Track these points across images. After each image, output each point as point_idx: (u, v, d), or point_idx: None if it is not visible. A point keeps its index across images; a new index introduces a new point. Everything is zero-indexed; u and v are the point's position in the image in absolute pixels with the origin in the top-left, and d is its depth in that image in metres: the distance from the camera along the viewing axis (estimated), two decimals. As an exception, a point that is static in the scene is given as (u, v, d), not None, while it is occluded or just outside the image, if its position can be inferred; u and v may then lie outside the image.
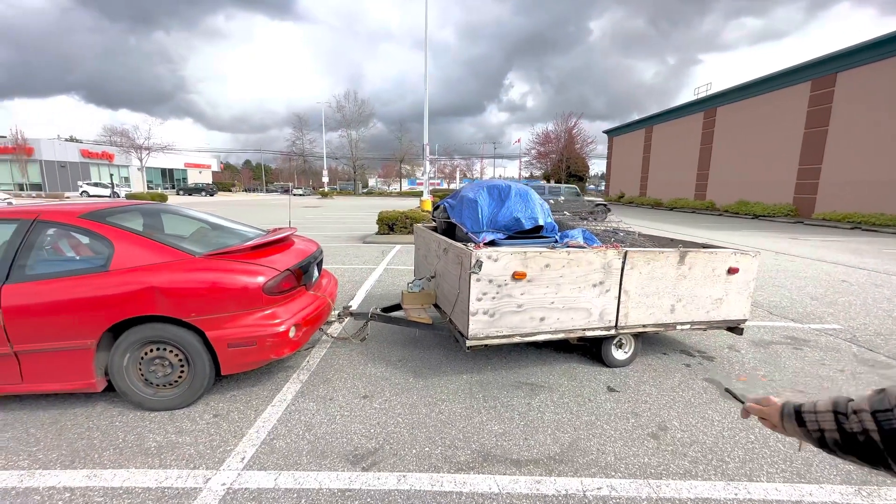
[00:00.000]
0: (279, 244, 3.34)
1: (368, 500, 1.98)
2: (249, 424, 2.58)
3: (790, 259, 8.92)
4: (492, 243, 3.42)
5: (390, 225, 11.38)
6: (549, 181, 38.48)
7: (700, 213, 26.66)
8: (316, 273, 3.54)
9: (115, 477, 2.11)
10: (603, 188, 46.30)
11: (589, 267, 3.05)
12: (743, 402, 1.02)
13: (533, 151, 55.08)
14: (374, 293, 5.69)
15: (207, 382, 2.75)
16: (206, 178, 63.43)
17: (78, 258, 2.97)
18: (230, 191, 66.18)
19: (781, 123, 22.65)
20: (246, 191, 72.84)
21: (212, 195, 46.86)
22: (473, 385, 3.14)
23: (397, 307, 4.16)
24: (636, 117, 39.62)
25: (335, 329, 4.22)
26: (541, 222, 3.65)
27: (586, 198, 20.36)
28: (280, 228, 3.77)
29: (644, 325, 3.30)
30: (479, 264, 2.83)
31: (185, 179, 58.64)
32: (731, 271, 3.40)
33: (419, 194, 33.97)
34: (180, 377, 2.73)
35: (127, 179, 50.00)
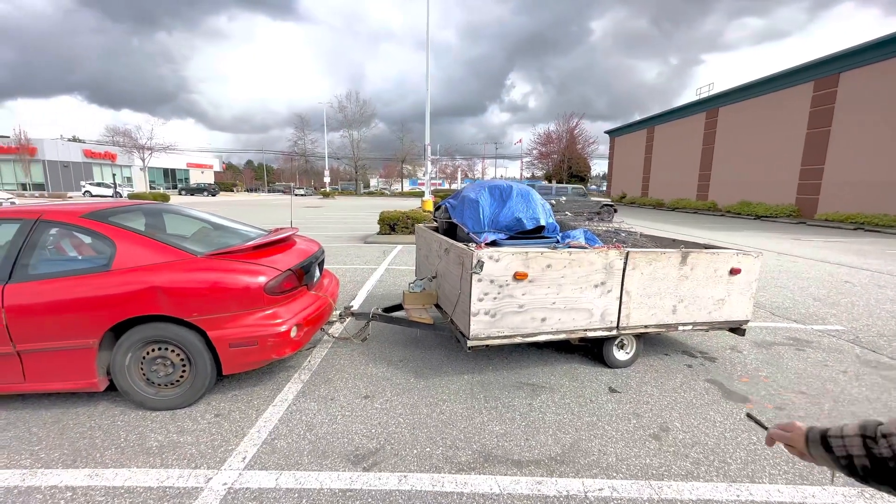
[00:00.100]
0: (281, 244, 3.34)
1: (369, 500, 1.97)
2: (251, 424, 2.58)
3: (792, 260, 8.89)
4: (493, 243, 3.42)
5: (392, 225, 11.38)
6: (550, 181, 38.44)
7: (702, 213, 26.60)
8: (317, 273, 3.55)
9: (117, 476, 2.11)
10: (604, 188, 46.25)
11: (590, 267, 3.05)
12: (766, 429, 0.95)
13: (534, 152, 55.10)
14: (376, 293, 5.70)
15: (209, 382, 2.76)
16: (208, 178, 63.61)
17: (80, 258, 2.97)
18: (232, 191, 66.31)
19: (784, 124, 22.59)
20: (248, 191, 72.97)
21: (214, 195, 46.94)
22: (475, 385, 3.13)
23: (398, 307, 4.16)
24: (638, 118, 39.60)
25: (336, 329, 4.22)
26: (542, 222, 3.65)
27: (592, 198, 20.26)
28: (282, 228, 3.77)
29: (646, 326, 3.29)
30: (481, 264, 2.82)
31: (187, 179, 58.79)
32: (734, 272, 3.39)
33: (421, 194, 34.02)
34: (182, 377, 2.73)
35: (129, 179, 50.16)
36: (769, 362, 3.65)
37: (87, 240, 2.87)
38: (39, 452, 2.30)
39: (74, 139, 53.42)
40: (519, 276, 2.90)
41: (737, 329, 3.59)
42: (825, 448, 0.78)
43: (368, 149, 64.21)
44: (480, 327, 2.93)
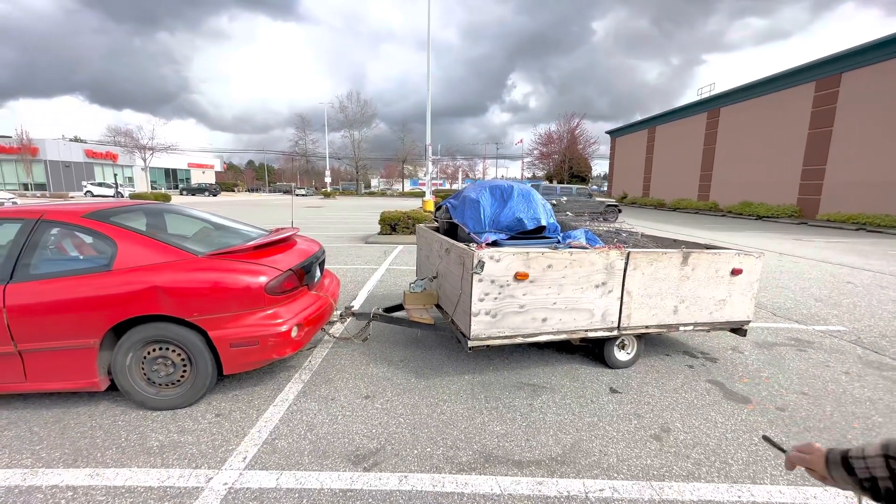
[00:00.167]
0: (281, 244, 3.34)
1: (370, 500, 1.97)
2: (251, 424, 2.58)
3: (794, 260, 8.88)
4: (494, 244, 3.42)
5: (392, 225, 11.39)
6: (551, 181, 38.43)
7: (703, 213, 26.57)
8: (318, 273, 3.55)
9: (118, 476, 2.11)
10: (605, 189, 46.23)
11: (591, 268, 3.04)
12: (784, 451, 0.90)
13: (535, 152, 55.11)
14: (377, 293, 5.70)
15: (210, 382, 2.76)
16: (209, 178, 63.70)
17: (81, 258, 2.98)
18: (233, 191, 66.41)
19: (785, 124, 22.55)
20: (249, 191, 73.07)
21: (215, 195, 47.00)
22: (475, 386, 3.13)
23: (399, 307, 4.16)
24: (639, 118, 39.55)
25: (337, 329, 4.22)
26: (543, 223, 3.64)
27: (597, 199, 20.25)
28: (282, 228, 3.77)
29: (647, 326, 3.29)
30: (482, 265, 2.82)
31: (188, 179, 58.88)
32: (735, 272, 3.38)
33: (421, 194, 34.02)
34: (183, 376, 2.73)
35: (131, 179, 50.26)
36: (771, 363, 3.65)
37: (89, 240, 2.88)
38: (40, 452, 2.30)
39: (76, 139, 53.56)
40: (520, 277, 2.90)
41: (738, 329, 3.59)
42: (847, 470, 0.74)
43: (369, 149, 64.33)
44: (481, 327, 2.93)
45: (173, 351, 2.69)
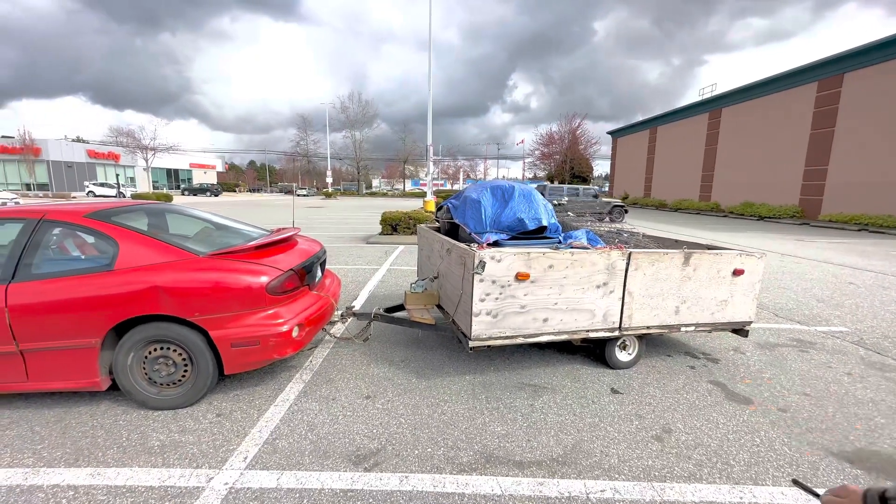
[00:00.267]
0: (282, 244, 3.35)
1: (370, 500, 1.97)
2: (252, 424, 2.58)
3: (796, 261, 8.85)
4: (495, 244, 3.41)
5: (393, 225, 11.39)
6: (552, 182, 38.42)
7: (705, 214, 26.52)
8: (319, 273, 3.55)
9: (119, 475, 2.11)
10: (606, 189, 46.19)
11: (593, 268, 3.04)
12: (817, 496, 0.84)
13: (537, 152, 55.07)
14: (378, 294, 5.70)
15: (211, 382, 2.76)
16: (210, 178, 63.84)
17: (83, 257, 2.98)
18: (235, 191, 66.52)
19: (787, 124, 22.49)
20: (251, 191, 73.18)
21: (216, 195, 47.08)
22: (476, 386, 3.13)
23: (400, 307, 4.16)
24: (640, 118, 39.51)
25: (338, 329, 4.22)
26: (544, 223, 3.64)
27: (603, 199, 20.31)
28: (283, 228, 3.77)
29: (648, 327, 3.28)
30: (483, 265, 2.82)
31: (190, 180, 59.00)
32: (737, 273, 3.37)
33: (423, 195, 34.02)
34: (184, 376, 2.74)
35: (133, 179, 50.39)
36: (773, 364, 3.63)
37: (90, 239, 2.88)
38: (42, 451, 2.31)
39: (78, 140, 53.68)
40: (521, 277, 2.90)
41: (740, 330, 3.58)
42: None
43: (371, 149, 64.36)
44: (482, 328, 2.93)
45: (174, 351, 2.69)
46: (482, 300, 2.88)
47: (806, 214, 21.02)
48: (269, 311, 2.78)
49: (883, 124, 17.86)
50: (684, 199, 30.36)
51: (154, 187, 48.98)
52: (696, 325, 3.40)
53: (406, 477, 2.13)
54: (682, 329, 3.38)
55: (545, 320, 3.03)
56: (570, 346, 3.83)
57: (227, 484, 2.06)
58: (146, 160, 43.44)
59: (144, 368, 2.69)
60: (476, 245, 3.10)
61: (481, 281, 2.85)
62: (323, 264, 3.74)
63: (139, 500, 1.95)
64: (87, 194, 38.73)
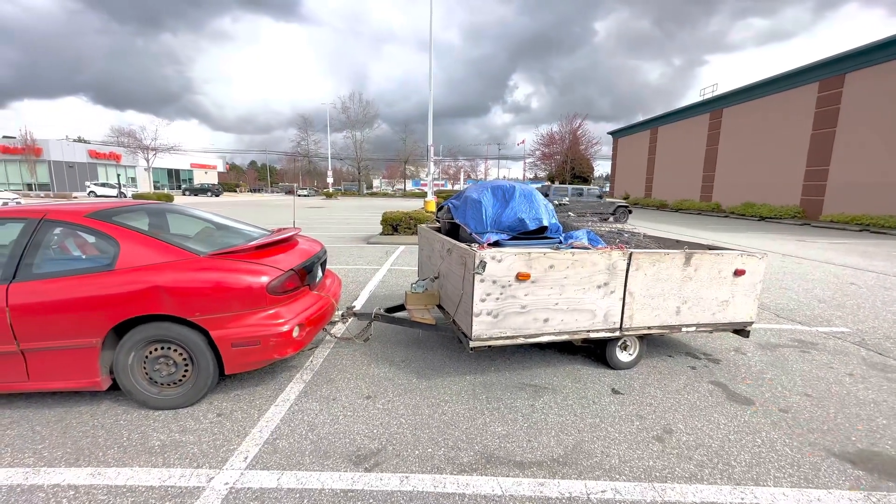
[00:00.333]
0: (283, 244, 3.35)
1: (371, 500, 1.97)
2: (253, 424, 2.58)
3: (797, 261, 8.84)
4: (496, 244, 3.41)
5: (394, 226, 11.39)
6: (553, 182, 38.43)
7: (706, 214, 26.49)
8: (320, 273, 3.55)
9: (119, 475, 2.12)
10: (607, 189, 46.17)
11: (593, 268, 3.03)
12: None
13: (537, 153, 55.05)
14: (378, 294, 5.70)
15: (211, 381, 2.76)
16: (211, 178, 63.91)
17: (84, 257, 2.99)
18: (235, 191, 66.59)
19: (788, 125, 22.46)
20: (251, 191, 73.26)
21: (217, 195, 47.12)
22: (477, 386, 3.12)
23: (401, 308, 4.16)
24: (641, 118, 39.48)
25: (339, 329, 4.22)
26: (545, 223, 3.63)
27: (608, 199, 20.40)
28: (284, 228, 3.78)
29: (649, 327, 3.28)
30: (483, 265, 2.82)
31: (191, 180, 59.06)
32: (738, 273, 3.36)
33: (423, 195, 34.03)
34: (184, 376, 2.74)
35: (134, 180, 50.48)
36: (774, 364, 3.63)
37: (91, 239, 2.88)
38: (42, 451, 2.31)
39: (79, 140, 53.80)
40: (521, 277, 2.89)
41: (741, 331, 3.57)
42: None
43: (371, 149, 64.44)
44: (483, 328, 2.93)
45: (175, 350, 2.69)
46: (483, 300, 2.88)
47: (807, 215, 20.99)
48: (270, 311, 2.78)
49: (884, 125, 17.82)
50: (685, 199, 30.33)
51: (155, 187, 49.02)
52: (697, 325, 3.40)
53: (406, 477, 2.13)
54: (683, 329, 3.38)
55: (546, 320, 3.03)
56: (571, 347, 3.83)
57: (227, 484, 2.06)
58: (147, 160, 43.49)
59: (145, 368, 2.69)
60: (477, 245, 3.10)
61: (482, 281, 2.84)
62: (323, 264, 3.74)
63: (140, 499, 1.95)
64: (89, 194, 38.78)
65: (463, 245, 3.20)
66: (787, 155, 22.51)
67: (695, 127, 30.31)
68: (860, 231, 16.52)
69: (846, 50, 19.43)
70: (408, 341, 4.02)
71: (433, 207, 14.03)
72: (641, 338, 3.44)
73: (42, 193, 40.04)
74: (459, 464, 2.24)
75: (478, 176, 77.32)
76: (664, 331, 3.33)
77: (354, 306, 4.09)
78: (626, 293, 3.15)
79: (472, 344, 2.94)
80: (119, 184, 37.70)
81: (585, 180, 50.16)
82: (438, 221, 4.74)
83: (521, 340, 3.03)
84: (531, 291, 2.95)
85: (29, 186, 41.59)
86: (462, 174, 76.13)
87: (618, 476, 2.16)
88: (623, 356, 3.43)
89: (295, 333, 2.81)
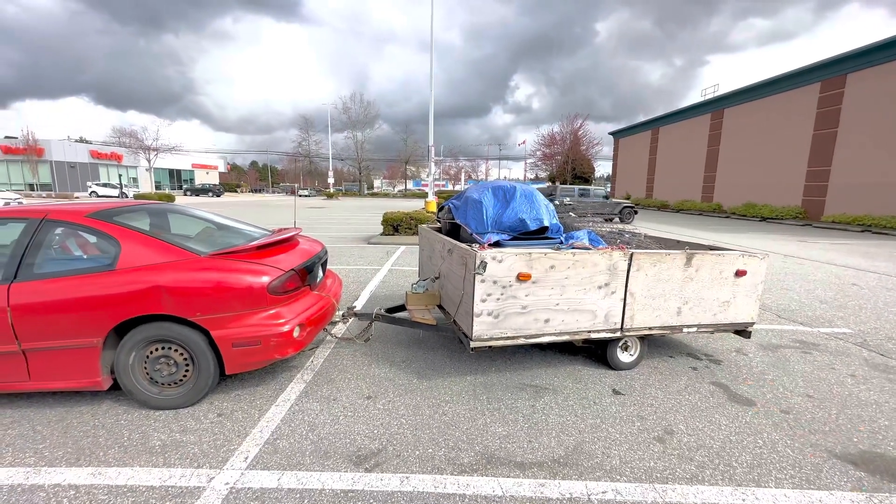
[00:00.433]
0: (284, 244, 3.35)
1: (371, 501, 1.97)
2: (253, 424, 2.58)
3: (799, 262, 8.82)
4: (497, 244, 3.41)
5: (395, 226, 11.39)
6: (554, 183, 38.43)
7: (707, 215, 26.46)
8: (320, 273, 3.55)
9: (120, 475, 2.12)
10: (608, 190, 46.14)
11: (594, 268, 3.03)
12: None
13: (538, 153, 55.03)
14: (379, 294, 5.70)
15: (212, 381, 2.76)
16: (213, 178, 64.02)
17: (85, 257, 2.99)
18: (236, 192, 66.68)
19: (790, 125, 22.43)
20: (253, 192, 73.37)
21: (218, 196, 47.21)
22: (477, 387, 3.12)
23: (401, 308, 4.16)
24: (642, 119, 39.45)
25: (339, 329, 4.22)
26: (546, 223, 3.63)
27: (614, 200, 20.51)
28: (285, 229, 3.78)
29: (650, 328, 3.27)
30: (484, 265, 2.81)
31: (192, 180, 59.16)
32: (739, 274, 3.36)
33: (424, 195, 34.03)
34: (185, 376, 2.74)
35: (135, 180, 50.59)
36: (775, 365, 3.62)
37: (92, 239, 2.89)
38: (43, 451, 2.31)
39: (81, 140, 53.96)
40: (522, 277, 2.89)
41: (742, 331, 3.56)
42: None
43: (372, 150, 64.46)
44: (483, 328, 2.92)
45: (176, 350, 2.69)
46: (483, 301, 2.88)
47: (809, 215, 20.95)
48: (271, 311, 2.78)
49: (886, 125, 17.79)
50: (686, 199, 30.29)
51: (156, 188, 49.12)
52: (699, 326, 3.39)
53: (407, 477, 2.13)
54: (685, 330, 3.37)
55: (546, 321, 3.03)
56: (572, 347, 3.82)
57: (227, 484, 2.06)
58: (149, 161, 43.54)
59: (146, 368, 2.69)
60: (477, 245, 3.10)
61: (483, 281, 2.84)
62: (324, 264, 3.74)
63: (140, 499, 1.95)
64: (90, 194, 38.87)
65: (464, 245, 3.19)
66: (788, 155, 22.47)
67: (696, 127, 30.27)
68: (862, 232, 16.48)
69: (848, 50, 19.40)
70: (408, 342, 4.01)
71: (434, 208, 14.03)
72: (642, 338, 3.44)
73: (44, 193, 40.13)
74: (460, 464, 2.24)
75: (478, 176, 77.34)
76: (665, 331, 3.33)
77: (355, 306, 4.09)
78: (627, 294, 3.14)
79: (472, 344, 2.94)
80: (120, 184, 37.80)
81: (586, 181, 50.11)
82: (439, 222, 4.73)
83: (521, 341, 3.03)
84: (532, 292, 2.94)
85: (31, 187, 41.70)
86: (463, 174, 76.17)
87: (619, 477, 2.16)
88: (624, 357, 3.43)
89: (296, 333, 2.81)
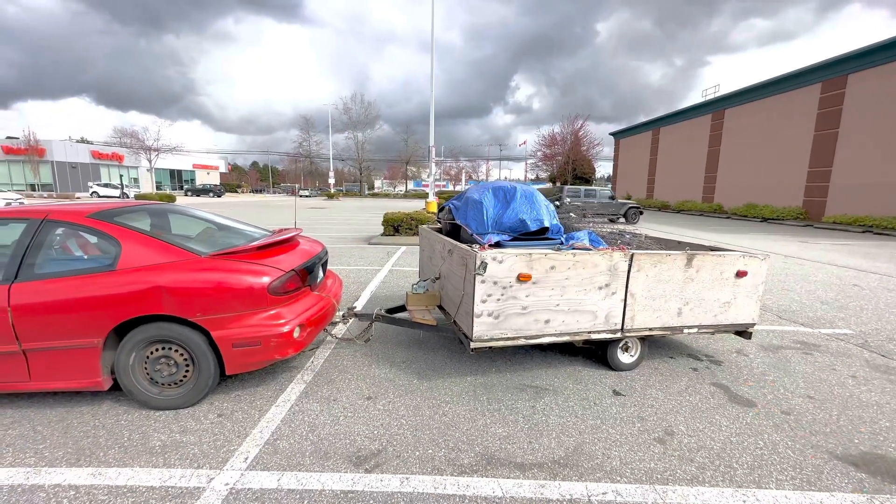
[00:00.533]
0: (284, 245, 3.35)
1: (371, 501, 1.97)
2: (253, 424, 2.58)
3: (800, 263, 8.81)
4: (497, 245, 3.40)
5: (395, 226, 11.39)
6: (554, 183, 38.45)
7: (708, 215, 26.43)
8: (321, 274, 3.55)
9: (120, 475, 2.12)
10: (609, 190, 46.13)
11: (595, 269, 3.03)
12: None
13: (539, 153, 54.99)
14: (379, 294, 5.70)
15: (212, 382, 2.76)
16: (213, 179, 64.08)
17: (86, 257, 3.00)
18: (237, 192, 66.76)
19: (791, 126, 22.41)
20: (253, 192, 73.44)
21: (219, 196, 47.26)
22: (477, 387, 3.12)
23: (402, 308, 4.16)
24: (643, 119, 39.43)
25: (339, 330, 4.22)
26: (546, 224, 3.63)
27: (619, 200, 20.63)
28: (285, 229, 3.78)
29: (650, 329, 3.27)
30: (484, 266, 2.81)
31: (193, 180, 59.23)
32: (740, 274, 3.35)
33: (424, 196, 34.04)
34: (185, 376, 2.74)
35: (136, 180, 50.66)
36: (776, 366, 3.61)
37: (93, 239, 2.89)
38: (44, 451, 2.31)
39: (82, 140, 54.09)
40: (522, 278, 2.89)
41: (743, 332, 3.56)
42: None
43: (373, 150, 64.57)
44: (484, 329, 2.92)
45: (176, 351, 2.69)
46: (484, 301, 2.87)
47: (810, 216, 20.93)
48: (271, 312, 2.78)
49: (887, 125, 17.77)
50: (687, 200, 30.27)
51: (157, 188, 49.18)
52: (699, 326, 3.39)
53: (407, 478, 2.13)
54: (685, 331, 3.36)
55: (547, 321, 3.02)
56: (572, 348, 3.82)
57: (227, 484, 2.06)
58: (150, 161, 43.60)
59: (146, 368, 2.69)
60: (478, 246, 3.10)
61: (483, 282, 2.84)
62: (325, 265, 3.74)
63: (140, 500, 1.95)
64: (91, 195, 38.94)
65: (464, 246, 3.19)
66: (789, 156, 22.45)
67: (697, 128, 30.26)
68: (863, 232, 16.45)
69: (849, 51, 19.38)
70: (409, 342, 4.01)
71: (434, 208, 14.03)
72: (643, 339, 3.43)
73: (45, 194, 40.22)
74: (460, 465, 2.24)
75: (479, 177, 77.35)
76: (666, 332, 3.32)
77: (355, 307, 4.09)
78: (628, 294, 3.14)
79: (472, 345, 2.94)
80: (122, 184, 37.85)
81: (587, 181, 50.05)
82: (440, 222, 4.73)
83: (522, 341, 3.02)
84: (532, 292, 2.94)
85: (32, 187, 41.77)
86: (463, 175, 76.20)
87: (619, 478, 2.16)
88: (624, 357, 3.42)
89: (296, 334, 2.81)
